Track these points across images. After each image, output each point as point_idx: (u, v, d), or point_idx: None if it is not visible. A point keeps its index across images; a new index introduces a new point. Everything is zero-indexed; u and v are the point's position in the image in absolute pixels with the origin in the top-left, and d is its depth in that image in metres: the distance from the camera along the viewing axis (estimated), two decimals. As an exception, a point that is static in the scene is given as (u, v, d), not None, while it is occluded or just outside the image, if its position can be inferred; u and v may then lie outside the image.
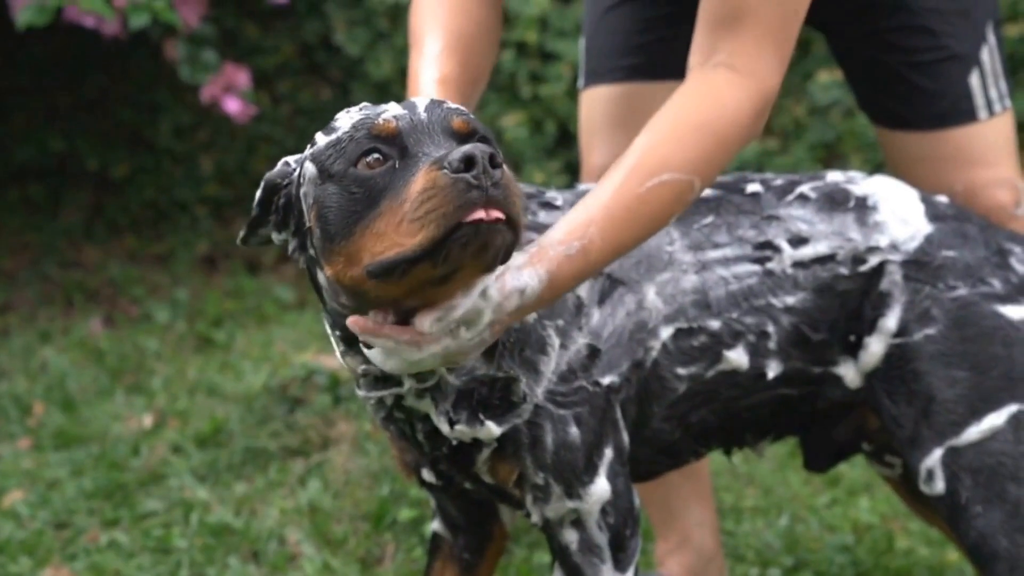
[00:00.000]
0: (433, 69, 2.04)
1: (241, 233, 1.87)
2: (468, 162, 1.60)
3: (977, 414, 2.02)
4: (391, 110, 1.74)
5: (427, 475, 2.00)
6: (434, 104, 1.76)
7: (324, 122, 1.86)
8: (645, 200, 1.80)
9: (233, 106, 4.66)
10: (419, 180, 1.63)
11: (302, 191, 1.76)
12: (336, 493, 3.17)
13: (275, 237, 1.85)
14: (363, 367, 1.84)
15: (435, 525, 2.18)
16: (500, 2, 2.21)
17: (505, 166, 1.64)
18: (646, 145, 1.84)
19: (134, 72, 5.67)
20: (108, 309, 5.00)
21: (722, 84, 1.89)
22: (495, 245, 1.63)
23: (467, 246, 1.61)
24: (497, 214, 1.60)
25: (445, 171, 1.60)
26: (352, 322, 1.74)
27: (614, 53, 2.45)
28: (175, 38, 4.65)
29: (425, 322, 1.70)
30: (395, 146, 1.69)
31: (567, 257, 1.76)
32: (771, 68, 1.91)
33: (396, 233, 1.63)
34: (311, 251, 1.78)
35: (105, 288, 5.19)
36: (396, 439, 2.01)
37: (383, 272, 1.65)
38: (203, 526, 3.06)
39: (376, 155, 1.69)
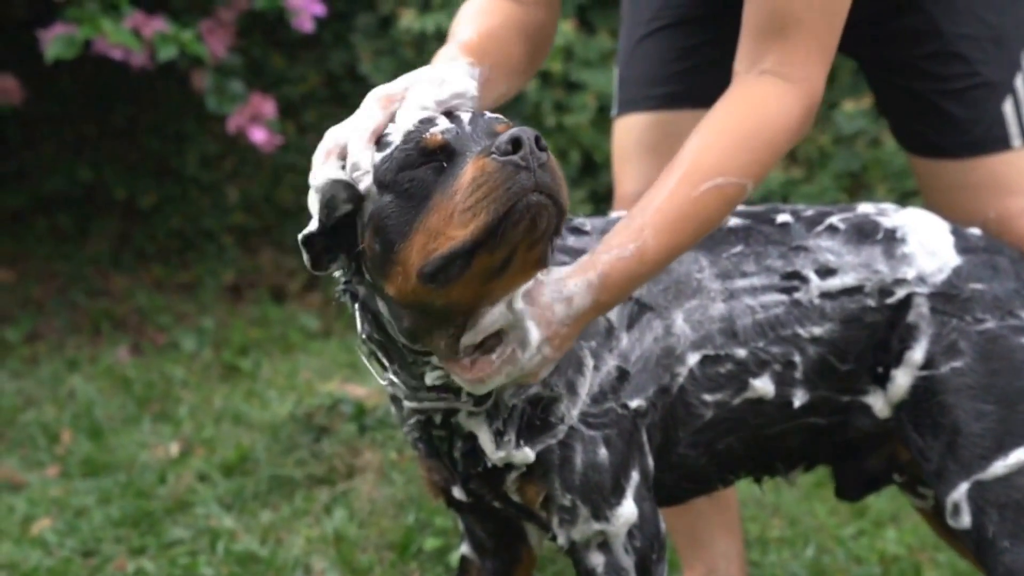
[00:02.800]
0: (458, 37, 2.03)
1: (306, 258, 1.81)
2: (515, 144, 1.63)
3: (1004, 448, 2.01)
4: (439, 124, 1.76)
5: (457, 493, 2.00)
6: (477, 115, 1.79)
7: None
8: (699, 203, 1.84)
9: (259, 136, 4.69)
10: (468, 171, 1.66)
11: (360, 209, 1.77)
12: (362, 522, 3.17)
13: (332, 266, 1.83)
14: (432, 381, 1.85)
15: (463, 549, 2.19)
16: (543, 12, 2.19)
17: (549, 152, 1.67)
18: (699, 149, 1.88)
19: (161, 102, 5.71)
20: (135, 337, 5.02)
21: (771, 92, 1.93)
22: (542, 222, 1.66)
23: (519, 223, 1.64)
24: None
25: (493, 156, 1.64)
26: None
27: (647, 82, 2.47)
28: (202, 68, 4.68)
29: (465, 339, 1.75)
30: (443, 153, 1.73)
31: (620, 259, 1.79)
32: (818, 75, 1.96)
33: (448, 227, 1.66)
34: (366, 276, 1.79)
35: (132, 316, 5.21)
36: (425, 458, 2.02)
37: (438, 270, 1.68)
38: (229, 554, 3.07)
39: (424, 164, 1.72)
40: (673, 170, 1.87)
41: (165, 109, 5.72)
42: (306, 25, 4.71)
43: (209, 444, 3.75)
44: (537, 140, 1.64)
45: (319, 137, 1.90)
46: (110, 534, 3.22)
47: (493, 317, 1.75)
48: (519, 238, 1.66)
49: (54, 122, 5.74)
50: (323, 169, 1.80)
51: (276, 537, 3.15)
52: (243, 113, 4.69)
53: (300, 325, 5.08)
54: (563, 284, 1.77)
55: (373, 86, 5.91)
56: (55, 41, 4.24)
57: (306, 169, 6.25)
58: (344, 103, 5.77)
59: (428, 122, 1.77)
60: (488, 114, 1.82)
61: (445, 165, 1.71)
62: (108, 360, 4.71)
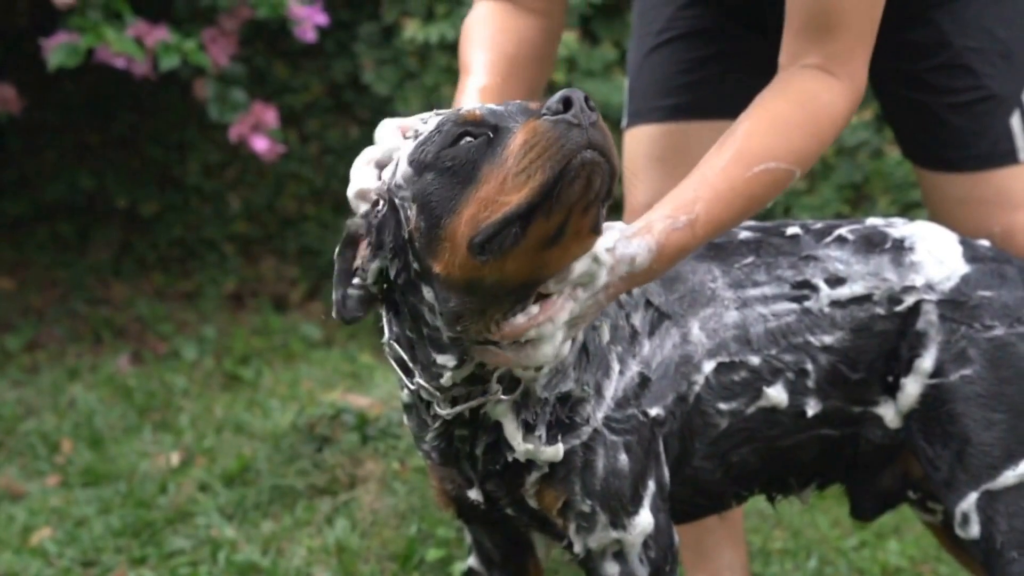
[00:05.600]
0: (476, 79, 2.08)
1: (335, 297, 1.84)
2: (566, 103, 1.63)
3: (1014, 457, 2.00)
4: (473, 103, 1.79)
5: (473, 494, 1.98)
6: (507, 102, 1.80)
7: (352, 161, 1.88)
8: (751, 183, 1.88)
9: (261, 144, 4.69)
10: (519, 135, 1.66)
11: (397, 199, 1.77)
12: (363, 532, 3.17)
13: (372, 269, 1.82)
14: (451, 382, 1.84)
15: (471, 561, 2.18)
16: (550, 22, 2.23)
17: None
18: (750, 132, 1.91)
19: (163, 111, 5.71)
20: (136, 346, 5.01)
21: (818, 85, 1.96)
22: (596, 180, 1.66)
23: (574, 182, 1.64)
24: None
25: (544, 116, 1.64)
26: (501, 335, 1.76)
27: (657, 93, 2.48)
28: (205, 77, 4.68)
29: (549, 283, 1.74)
30: (484, 126, 1.72)
31: (674, 229, 1.82)
32: (861, 69, 2.00)
33: (501, 194, 1.66)
34: (413, 264, 1.78)
35: (133, 325, 5.21)
36: (438, 467, 2.01)
37: (490, 239, 1.67)
38: (230, 565, 3.06)
39: (468, 137, 1.72)
40: (724, 149, 1.90)
41: (167, 117, 5.72)
42: (308, 35, 4.71)
43: (210, 454, 3.75)
44: (586, 99, 1.64)
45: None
46: (110, 544, 3.22)
47: (581, 269, 1.75)
48: (575, 198, 1.65)
49: (56, 130, 5.74)
50: (362, 174, 1.84)
51: (277, 547, 3.14)
52: (245, 122, 4.68)
53: (302, 334, 5.07)
54: (629, 243, 1.80)
55: (376, 95, 5.90)
56: (58, 49, 4.24)
57: (309, 178, 6.25)
58: (347, 112, 5.77)
59: (459, 107, 1.79)
60: (517, 101, 1.82)
61: (491, 135, 1.71)
62: (109, 369, 4.70)
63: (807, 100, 1.95)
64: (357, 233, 1.83)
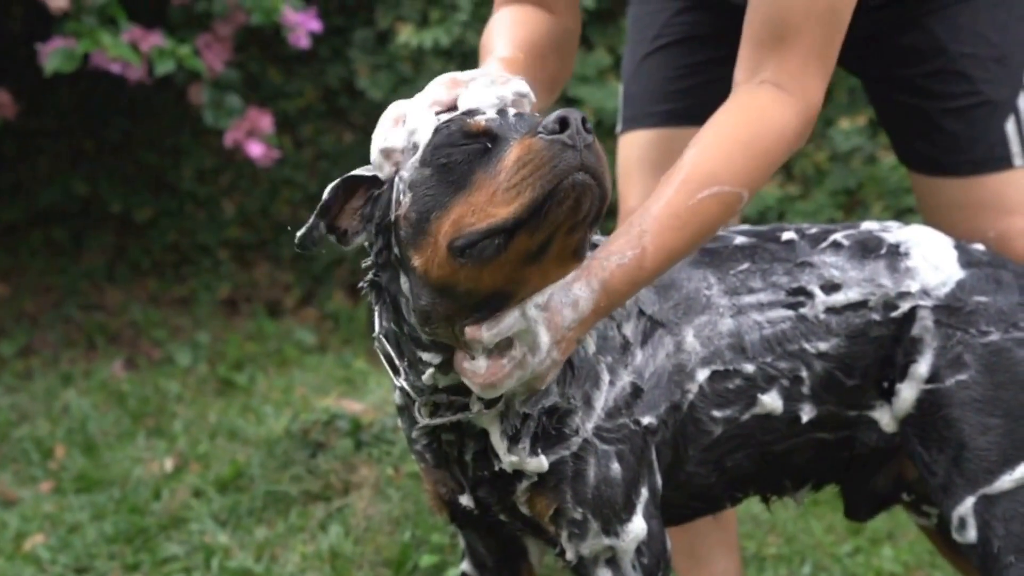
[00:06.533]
0: (498, 53, 2.05)
1: (308, 224, 1.82)
2: (562, 123, 1.64)
3: (1010, 462, 2.00)
4: (485, 114, 1.77)
5: (466, 500, 1.98)
6: (522, 114, 1.80)
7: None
8: (696, 211, 1.84)
9: (256, 150, 4.69)
10: (514, 150, 1.67)
11: (397, 178, 1.78)
12: (357, 538, 3.16)
13: (354, 241, 1.83)
14: (431, 391, 1.85)
15: (464, 566, 2.18)
16: (567, 21, 2.23)
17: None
18: (696, 158, 1.88)
19: (158, 116, 5.70)
20: (130, 352, 5.01)
21: (768, 101, 1.93)
22: (585, 203, 1.66)
23: (563, 203, 1.64)
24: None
25: (540, 135, 1.64)
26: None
27: (651, 99, 2.49)
28: (200, 83, 4.68)
29: (480, 332, 1.73)
30: (486, 136, 1.73)
31: (619, 266, 1.79)
32: (815, 86, 1.96)
33: (490, 204, 1.67)
34: (395, 249, 1.78)
35: (127, 331, 5.20)
36: (432, 469, 2.00)
37: (471, 245, 1.67)
38: (224, 571, 3.05)
39: (465, 145, 1.73)
40: (671, 178, 1.87)
41: (162, 123, 5.72)
42: (302, 41, 4.71)
43: (204, 460, 3.74)
44: (583, 121, 1.65)
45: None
46: (104, 550, 3.21)
47: (512, 320, 1.74)
48: (562, 219, 1.66)
49: (50, 135, 5.74)
50: (391, 133, 1.81)
51: (271, 554, 3.13)
52: (240, 127, 4.68)
53: (296, 340, 5.07)
54: (569, 288, 1.77)
55: (370, 101, 5.89)
56: (54, 54, 4.23)
57: (303, 184, 6.21)
58: (341, 118, 5.77)
59: (473, 112, 1.78)
60: (534, 114, 1.82)
61: (489, 146, 1.72)
62: (102, 374, 4.70)
63: (756, 120, 1.92)
64: (360, 183, 1.83)
